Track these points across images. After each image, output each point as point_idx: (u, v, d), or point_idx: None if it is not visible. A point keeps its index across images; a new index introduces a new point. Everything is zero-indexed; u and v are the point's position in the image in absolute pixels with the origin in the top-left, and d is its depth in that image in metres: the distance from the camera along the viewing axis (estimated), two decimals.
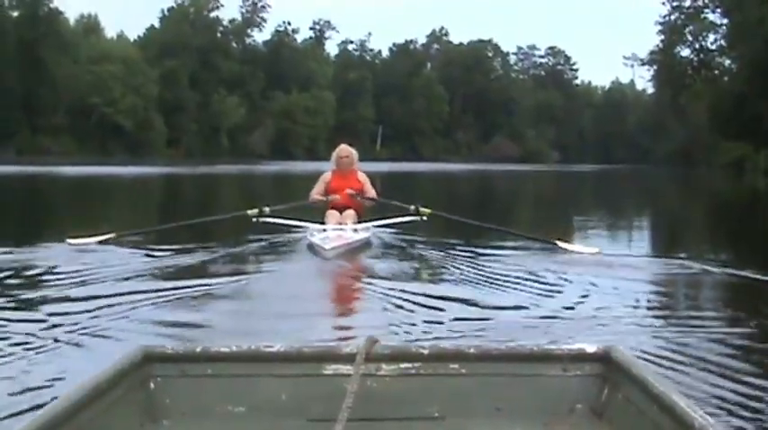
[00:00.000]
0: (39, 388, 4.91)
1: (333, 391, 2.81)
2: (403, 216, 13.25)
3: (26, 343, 6.09)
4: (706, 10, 79.11)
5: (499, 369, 2.97)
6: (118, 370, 2.79)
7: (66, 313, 7.17)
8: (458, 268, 10.44)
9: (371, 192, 13.44)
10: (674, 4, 79.77)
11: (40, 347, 5.97)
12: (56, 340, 6.18)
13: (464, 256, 11.43)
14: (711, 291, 9.72)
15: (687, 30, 79.71)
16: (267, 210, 12.91)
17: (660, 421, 2.56)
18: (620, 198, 36.85)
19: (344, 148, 13.66)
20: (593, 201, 34.50)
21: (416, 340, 6.13)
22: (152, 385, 2.95)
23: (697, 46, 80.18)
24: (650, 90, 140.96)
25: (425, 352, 2.99)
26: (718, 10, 77.50)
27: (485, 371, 2.96)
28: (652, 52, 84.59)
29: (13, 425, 2.51)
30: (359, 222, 12.94)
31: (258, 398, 2.93)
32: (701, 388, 5.05)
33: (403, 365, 2.96)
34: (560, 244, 12.12)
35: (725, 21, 76.60)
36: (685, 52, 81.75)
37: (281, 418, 2.91)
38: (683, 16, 79.80)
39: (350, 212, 12.97)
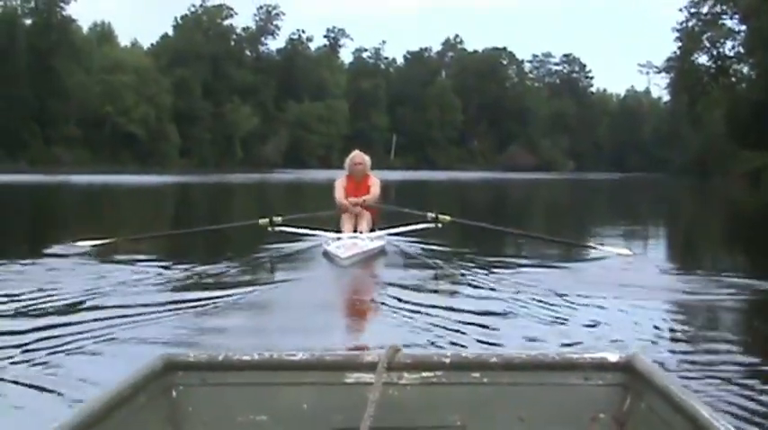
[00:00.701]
0: (58, 396, 5.07)
1: (355, 400, 2.80)
2: (420, 223, 13.21)
3: (38, 352, 6.14)
4: (724, 16, 78.22)
5: (521, 378, 2.94)
6: (140, 378, 2.78)
7: (89, 320, 7.25)
8: (473, 278, 10.41)
9: (375, 192, 13.37)
10: (692, 10, 78.96)
11: (57, 356, 6.02)
12: (72, 349, 6.22)
13: (480, 266, 11.42)
14: (734, 303, 9.40)
15: (705, 36, 78.79)
16: (279, 220, 12.93)
17: None
18: (639, 208, 36.21)
19: (358, 155, 13.61)
20: (611, 211, 33.75)
21: (434, 349, 6.20)
22: (174, 393, 2.93)
23: (714, 53, 79.27)
24: (666, 98, 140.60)
25: (447, 360, 2.96)
26: (736, 16, 76.64)
27: (507, 380, 2.93)
28: (669, 59, 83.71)
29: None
30: (374, 228, 13.14)
31: (280, 406, 2.92)
32: (723, 398, 5.07)
33: (425, 374, 2.94)
34: (596, 246, 12.89)
35: (743, 27, 75.85)
36: (703, 59, 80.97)
37: (303, 427, 2.90)
38: (700, 23, 78.90)
39: (365, 215, 13.12)
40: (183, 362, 2.97)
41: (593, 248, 12.83)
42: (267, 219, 12.82)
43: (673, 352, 6.49)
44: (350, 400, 2.85)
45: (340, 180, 13.55)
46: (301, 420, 2.91)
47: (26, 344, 6.37)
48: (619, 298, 9.01)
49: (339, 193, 13.33)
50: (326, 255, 12.00)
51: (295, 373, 2.93)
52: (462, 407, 2.93)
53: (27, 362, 5.93)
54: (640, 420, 2.83)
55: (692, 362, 6.08)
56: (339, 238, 12.53)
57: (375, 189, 13.37)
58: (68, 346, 6.30)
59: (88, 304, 8.21)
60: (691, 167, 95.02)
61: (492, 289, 9.52)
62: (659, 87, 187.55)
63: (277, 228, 12.89)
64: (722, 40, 78.43)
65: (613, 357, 2.98)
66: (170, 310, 7.84)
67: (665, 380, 2.77)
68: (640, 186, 68.82)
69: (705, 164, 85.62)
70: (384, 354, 2.88)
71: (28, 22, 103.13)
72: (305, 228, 13.41)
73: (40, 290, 8.94)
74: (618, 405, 2.92)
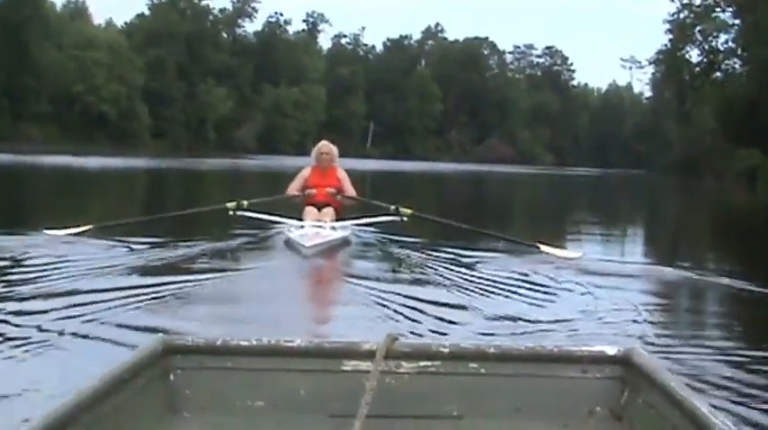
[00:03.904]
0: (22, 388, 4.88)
1: (352, 387, 2.82)
2: (382, 215, 13.27)
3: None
4: (717, 9, 76.14)
5: (519, 369, 2.96)
6: (138, 361, 2.81)
7: (42, 311, 6.99)
8: (437, 269, 10.40)
9: (351, 191, 13.43)
10: (684, 1, 76.86)
11: (22, 346, 5.88)
12: (29, 340, 6.04)
13: (445, 257, 11.48)
14: (719, 304, 9.56)
15: (696, 29, 76.76)
16: (245, 203, 12.89)
17: (680, 425, 2.58)
18: (632, 211, 34.62)
19: (325, 145, 13.67)
20: (601, 215, 31.60)
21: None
22: (172, 377, 2.96)
23: (706, 47, 77.19)
24: (648, 93, 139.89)
25: (445, 350, 2.99)
26: (730, 9, 74.64)
27: (505, 370, 2.96)
28: (659, 52, 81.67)
29: (31, 417, 2.32)
30: (337, 220, 12.96)
31: (278, 392, 2.94)
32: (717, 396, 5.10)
33: (422, 363, 2.96)
34: (542, 247, 12.05)
35: (737, 21, 73.91)
36: (694, 53, 78.93)
37: (301, 413, 2.93)
38: (692, 15, 76.85)
39: (329, 210, 12.97)
40: (181, 346, 2.97)
41: (540, 251, 12.04)
42: (235, 202, 12.75)
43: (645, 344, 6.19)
44: (347, 388, 2.85)
45: (304, 170, 13.60)
46: (298, 406, 2.91)
47: None
48: (586, 290, 9.07)
49: (294, 184, 13.42)
50: (288, 243, 11.93)
51: (293, 360, 2.94)
52: (459, 397, 2.93)
53: None
54: (637, 414, 2.84)
55: (682, 362, 6.00)
56: (302, 226, 12.40)
57: (348, 185, 13.37)
58: (26, 337, 6.11)
59: (41, 293, 7.88)
60: (677, 165, 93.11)
61: (457, 280, 9.51)
62: (641, 82, 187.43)
63: (239, 213, 12.84)
64: (715, 34, 76.31)
65: (611, 350, 3.00)
66: (127, 298, 7.61)
67: (662, 374, 2.79)
68: (626, 184, 68.32)
69: (694, 162, 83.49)
70: (382, 343, 2.88)
71: None
72: (269, 214, 13.17)
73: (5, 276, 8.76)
74: (615, 398, 2.93)
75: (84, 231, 12.13)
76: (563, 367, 2.96)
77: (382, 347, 2.86)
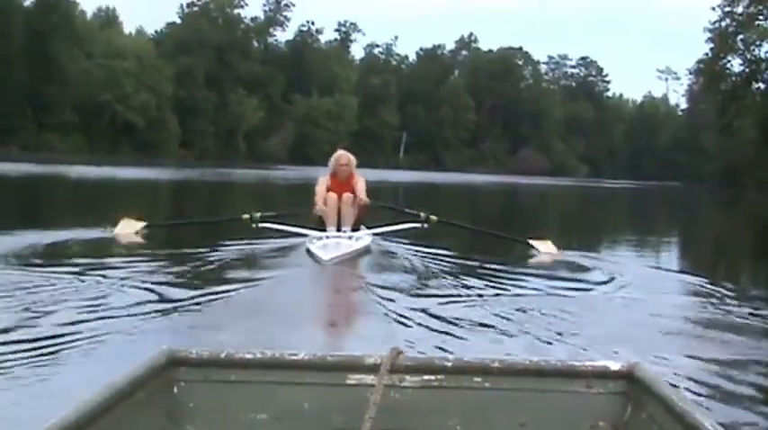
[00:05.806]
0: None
1: (356, 401, 2.84)
2: (406, 223, 13.58)
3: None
4: (760, 17, 74.27)
5: (523, 383, 2.96)
6: (142, 373, 2.80)
7: (62, 322, 6.92)
8: (457, 281, 10.38)
9: (365, 199, 13.12)
10: (726, 9, 75.00)
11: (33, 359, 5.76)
12: (54, 350, 6.02)
13: (466, 269, 11.59)
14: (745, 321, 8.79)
15: (738, 38, 74.89)
16: (258, 215, 13.21)
17: None
18: (679, 228, 32.88)
19: (344, 156, 13.45)
20: (648, 233, 30.08)
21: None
22: (175, 389, 2.96)
23: (748, 56, 75.29)
24: (684, 105, 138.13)
25: (449, 364, 3.00)
26: None
27: (508, 385, 2.96)
28: (699, 61, 79.79)
29: (35, 427, 2.34)
30: (358, 227, 13.08)
31: (281, 405, 2.94)
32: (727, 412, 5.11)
33: (426, 377, 2.98)
34: (531, 242, 13.62)
35: None
36: (735, 62, 77.05)
37: (304, 426, 2.93)
38: (734, 23, 75.00)
39: (349, 217, 12.93)
40: (185, 358, 2.95)
41: (529, 245, 13.58)
42: (248, 215, 13.13)
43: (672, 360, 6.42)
44: (351, 401, 2.85)
45: (323, 178, 13.40)
46: (302, 420, 2.92)
47: None
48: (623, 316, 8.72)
49: (322, 188, 13.16)
50: (309, 253, 11.96)
51: (297, 373, 2.94)
52: (463, 412, 2.95)
53: None
54: (640, 429, 2.83)
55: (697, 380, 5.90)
56: (322, 238, 12.50)
57: (362, 193, 13.04)
58: (39, 351, 5.96)
59: (61, 305, 7.74)
60: (717, 177, 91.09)
61: (477, 294, 9.40)
62: (677, 94, 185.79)
63: (261, 225, 13.12)
64: (758, 43, 74.38)
65: (615, 366, 3.00)
66: (149, 310, 7.62)
67: (666, 389, 2.77)
68: (667, 197, 66.23)
69: (733, 173, 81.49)
70: (386, 357, 2.89)
71: (27, 3, 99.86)
72: (289, 225, 13.44)
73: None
74: (619, 413, 2.93)
75: (142, 227, 13.96)
76: (567, 382, 2.93)
77: (386, 361, 2.85)
